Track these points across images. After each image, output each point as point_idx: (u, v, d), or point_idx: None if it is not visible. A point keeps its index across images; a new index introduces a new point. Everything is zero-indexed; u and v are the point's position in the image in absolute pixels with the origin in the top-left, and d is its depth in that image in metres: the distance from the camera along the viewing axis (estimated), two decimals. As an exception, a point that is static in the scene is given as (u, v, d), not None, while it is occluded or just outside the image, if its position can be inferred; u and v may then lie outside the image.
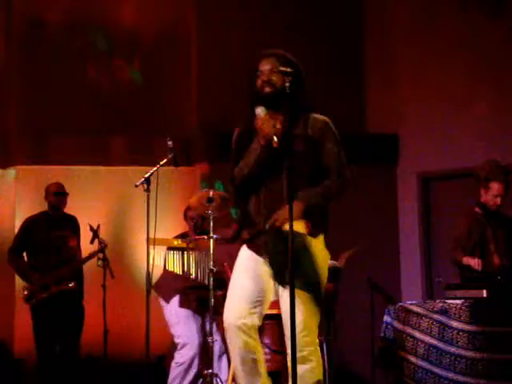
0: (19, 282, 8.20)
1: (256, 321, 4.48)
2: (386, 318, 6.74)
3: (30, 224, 7.97)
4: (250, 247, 4.51)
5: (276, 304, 5.77)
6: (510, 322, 6.31)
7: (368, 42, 9.52)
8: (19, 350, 8.75)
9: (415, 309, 6.61)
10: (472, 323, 6.25)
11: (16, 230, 8.25)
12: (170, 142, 6.42)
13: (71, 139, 9.10)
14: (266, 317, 5.93)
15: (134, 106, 9.05)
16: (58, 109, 9.18)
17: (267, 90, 4.31)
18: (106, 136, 9.14)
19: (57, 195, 7.88)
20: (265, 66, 4.40)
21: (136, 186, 6.15)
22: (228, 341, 4.47)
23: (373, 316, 7.28)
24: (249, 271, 4.48)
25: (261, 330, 6.05)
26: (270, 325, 6.08)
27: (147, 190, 6.14)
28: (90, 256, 7.76)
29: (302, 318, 4.25)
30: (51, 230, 7.84)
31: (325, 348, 6.22)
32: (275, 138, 4.19)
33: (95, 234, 7.65)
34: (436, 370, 6.32)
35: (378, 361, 6.99)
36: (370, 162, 9.14)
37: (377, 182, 9.20)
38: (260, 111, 4.29)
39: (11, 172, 9.37)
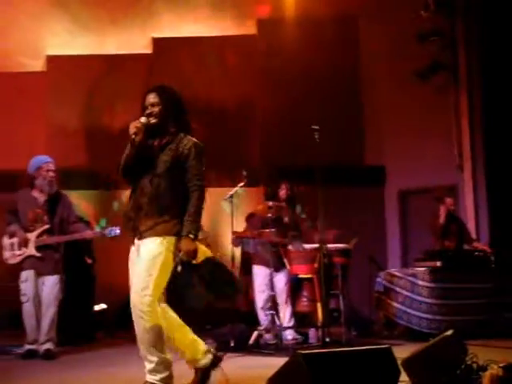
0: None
1: None
2: (378, 280, 7.11)
3: None
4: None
5: (311, 269, 6.47)
6: (453, 281, 6.73)
7: (366, 108, 9.43)
8: None
9: (396, 273, 7.00)
10: (431, 281, 6.62)
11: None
12: (244, 172, 6.69)
13: None
14: (304, 279, 6.65)
15: (220, 147, 8.88)
16: None
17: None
18: (206, 168, 9.07)
19: None
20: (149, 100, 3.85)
21: (225, 199, 6.56)
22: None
23: (370, 279, 7.55)
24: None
25: (301, 286, 6.74)
26: (307, 283, 6.38)
27: (231, 203, 6.50)
28: None
29: None
30: None
31: (341, 299, 6.35)
32: (133, 136, 3.73)
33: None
34: (409, 310, 6.69)
35: (374, 305, 7.25)
36: (366, 185, 9.28)
37: (370, 199, 9.29)
38: (141, 118, 3.82)
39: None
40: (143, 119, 3.79)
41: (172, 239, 3.68)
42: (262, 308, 6.54)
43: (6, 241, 5.90)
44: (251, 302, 6.97)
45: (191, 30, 9.32)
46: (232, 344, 5.84)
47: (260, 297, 6.63)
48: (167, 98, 3.88)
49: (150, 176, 3.76)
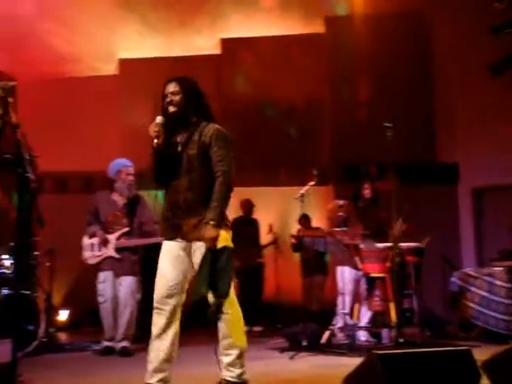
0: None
1: None
2: (453, 279, 7.03)
3: None
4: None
5: (383, 268, 6.38)
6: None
7: (437, 104, 9.26)
8: None
9: (472, 273, 6.87)
10: (509, 281, 6.46)
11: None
12: (314, 171, 6.60)
13: (256, 169, 9.07)
14: (376, 278, 6.55)
15: (289, 146, 9.22)
16: (250, 148, 9.02)
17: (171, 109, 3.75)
18: (274, 169, 9.28)
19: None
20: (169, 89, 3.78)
21: (295, 198, 6.44)
22: None
23: (443, 278, 7.45)
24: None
25: (373, 286, 6.64)
26: (379, 283, 6.21)
27: (302, 201, 6.36)
28: (269, 244, 8.33)
29: None
30: None
31: (414, 299, 6.28)
32: (155, 140, 3.68)
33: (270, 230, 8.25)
34: (486, 311, 6.56)
35: (449, 306, 7.16)
36: (439, 183, 9.10)
37: (443, 197, 9.09)
38: (156, 118, 3.74)
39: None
40: (159, 118, 3.72)
41: (222, 233, 3.61)
42: (344, 308, 6.46)
43: (86, 241, 6.08)
44: (319, 301, 6.97)
45: (259, 29, 9.36)
46: (304, 343, 5.82)
47: (344, 298, 6.52)
48: (187, 86, 3.82)
49: (182, 173, 3.70)
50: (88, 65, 9.71)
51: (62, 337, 7.41)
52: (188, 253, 3.70)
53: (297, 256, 7.95)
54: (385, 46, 9.10)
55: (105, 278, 5.93)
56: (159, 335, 3.71)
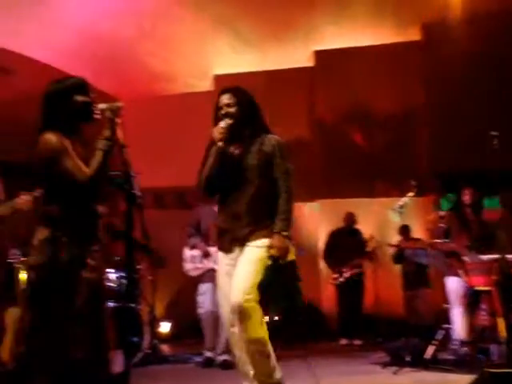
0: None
1: None
2: None
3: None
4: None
5: (489, 281, 6.08)
6: None
7: None
8: (326, 307, 8.59)
9: None
10: None
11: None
12: (413, 182, 6.37)
13: (352, 181, 9.07)
14: (482, 291, 6.30)
15: (387, 157, 9.08)
16: (347, 160, 9.20)
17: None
18: (372, 180, 9.16)
19: None
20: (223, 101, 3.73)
21: (393, 209, 6.21)
22: None
23: None
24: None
25: (479, 299, 6.40)
26: (485, 296, 5.94)
27: (401, 212, 6.13)
28: (368, 255, 8.06)
29: None
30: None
31: None
32: (219, 143, 3.60)
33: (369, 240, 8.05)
34: None
35: None
36: None
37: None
38: (220, 123, 3.67)
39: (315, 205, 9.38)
40: (223, 123, 3.65)
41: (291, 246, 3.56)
42: (453, 322, 6.19)
43: (188, 253, 6.20)
44: (419, 315, 6.78)
45: (353, 40, 9.31)
46: (407, 358, 5.69)
47: (453, 310, 6.24)
48: (243, 98, 3.74)
49: (240, 183, 3.61)
50: (183, 82, 9.95)
51: (165, 348, 7.57)
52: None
53: (397, 268, 7.81)
54: (484, 49, 8.74)
55: (205, 290, 6.01)
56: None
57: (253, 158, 3.63)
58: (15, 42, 8.36)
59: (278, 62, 9.74)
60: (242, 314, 3.41)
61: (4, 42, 8.32)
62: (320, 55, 9.54)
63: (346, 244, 8.13)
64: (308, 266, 8.15)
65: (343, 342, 7.92)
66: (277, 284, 3.47)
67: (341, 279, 8.06)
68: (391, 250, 7.81)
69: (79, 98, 3.14)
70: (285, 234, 3.52)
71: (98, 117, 3.16)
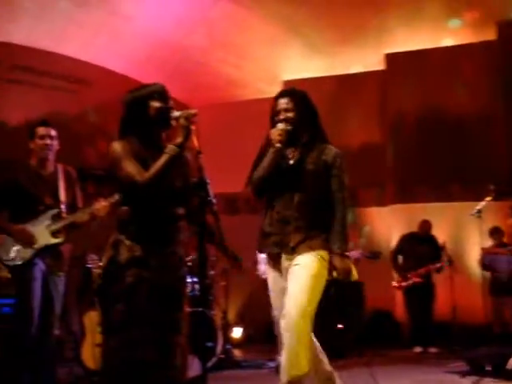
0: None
1: None
2: None
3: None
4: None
5: None
6: None
7: None
8: (400, 314, 8.43)
9: None
10: None
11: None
12: (491, 187, 6.40)
13: (426, 185, 8.93)
14: None
15: (463, 160, 8.82)
16: (420, 164, 9.01)
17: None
18: (446, 184, 8.95)
19: None
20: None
21: (471, 214, 6.26)
22: None
23: None
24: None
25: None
26: None
27: (479, 217, 6.21)
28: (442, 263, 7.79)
29: None
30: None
31: None
32: (277, 144, 3.47)
33: (442, 248, 7.85)
34: None
35: None
36: None
37: None
38: (278, 125, 3.53)
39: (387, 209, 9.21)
40: (281, 125, 3.52)
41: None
42: None
43: (261, 255, 6.19)
44: (505, 323, 6.56)
45: (425, 42, 9.14)
46: (488, 368, 5.51)
47: None
48: (301, 102, 3.61)
49: (293, 187, 3.50)
50: (253, 88, 10.00)
51: (237, 353, 7.59)
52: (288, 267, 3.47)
53: (476, 274, 7.56)
54: None
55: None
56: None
57: (310, 165, 3.53)
58: (88, 52, 8.62)
59: (348, 66, 9.70)
60: (294, 331, 3.29)
61: (79, 53, 8.60)
62: (391, 58, 9.41)
63: (419, 250, 7.93)
64: (380, 273, 8.06)
65: (417, 349, 7.73)
66: (339, 304, 3.37)
67: (403, 284, 7.89)
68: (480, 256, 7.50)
69: (155, 105, 3.13)
70: (346, 254, 3.43)
71: (174, 124, 3.15)
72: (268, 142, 3.56)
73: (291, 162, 3.56)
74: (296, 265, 3.41)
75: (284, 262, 3.49)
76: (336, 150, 3.60)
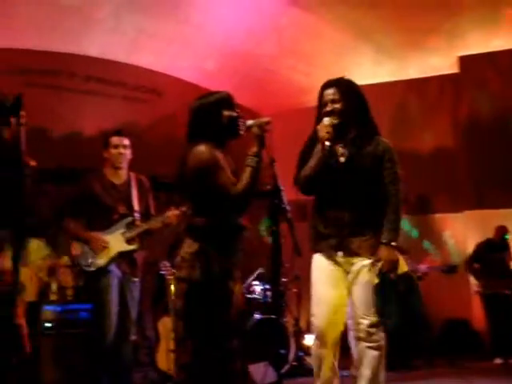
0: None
1: None
2: None
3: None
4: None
5: None
6: None
7: None
8: (478, 324, 8.12)
9: None
10: None
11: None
12: None
13: (502, 190, 8.61)
14: None
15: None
16: (496, 168, 8.71)
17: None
18: None
19: None
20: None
21: None
22: None
23: None
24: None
25: None
26: None
27: None
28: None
29: None
30: None
31: None
32: (327, 142, 3.30)
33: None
34: None
35: None
36: None
37: None
38: (325, 120, 3.38)
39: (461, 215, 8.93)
40: (327, 120, 3.36)
41: (400, 257, 3.34)
42: None
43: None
44: None
45: (500, 44, 8.86)
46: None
47: None
48: (349, 93, 3.43)
49: (346, 186, 3.35)
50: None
51: (310, 361, 7.51)
52: (347, 271, 3.38)
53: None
54: None
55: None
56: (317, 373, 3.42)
57: (362, 162, 3.38)
58: (160, 62, 8.78)
59: (420, 70, 9.53)
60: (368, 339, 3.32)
61: (150, 64, 8.77)
62: (465, 61, 9.17)
63: (496, 257, 7.68)
64: (453, 279, 7.85)
65: (498, 361, 7.46)
66: (389, 301, 3.24)
67: (486, 291, 7.68)
68: None
69: (226, 113, 3.13)
70: (393, 244, 3.28)
71: (242, 133, 3.14)
72: (315, 136, 3.42)
73: (342, 159, 3.42)
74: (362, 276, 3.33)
75: (340, 258, 3.39)
76: (386, 142, 3.45)
